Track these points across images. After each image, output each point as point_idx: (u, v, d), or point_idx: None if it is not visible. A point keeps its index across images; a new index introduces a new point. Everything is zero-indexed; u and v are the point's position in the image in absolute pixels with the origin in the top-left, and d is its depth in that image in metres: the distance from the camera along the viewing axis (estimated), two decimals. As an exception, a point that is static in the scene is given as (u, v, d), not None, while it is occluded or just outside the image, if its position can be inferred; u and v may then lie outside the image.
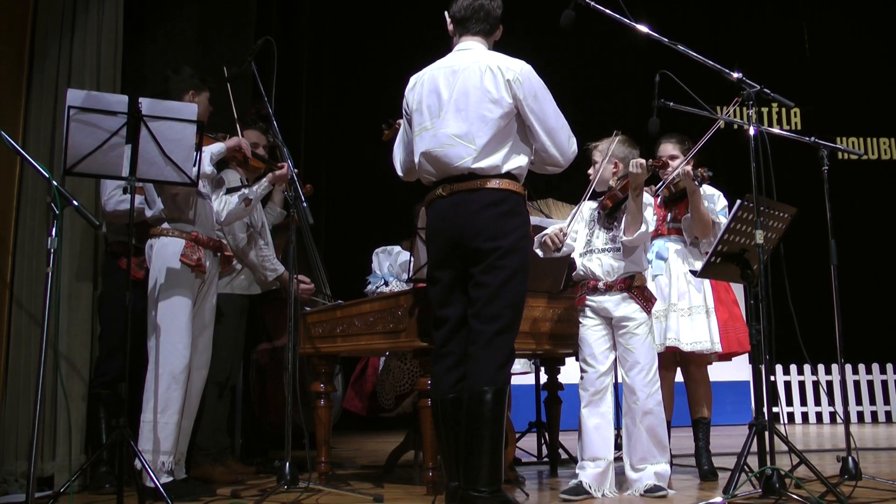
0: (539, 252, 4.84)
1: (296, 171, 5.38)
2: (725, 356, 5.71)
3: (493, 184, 4.09)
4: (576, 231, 5.03)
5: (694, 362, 5.67)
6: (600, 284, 4.88)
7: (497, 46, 4.38)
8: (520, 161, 4.17)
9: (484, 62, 4.16)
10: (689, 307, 5.51)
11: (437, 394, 4.15)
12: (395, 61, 12.25)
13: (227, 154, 5.24)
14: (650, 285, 5.54)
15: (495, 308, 3.98)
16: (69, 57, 5.58)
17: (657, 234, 5.63)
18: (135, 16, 6.25)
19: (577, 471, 4.77)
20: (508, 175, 4.12)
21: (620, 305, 4.87)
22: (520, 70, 4.15)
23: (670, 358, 5.61)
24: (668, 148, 5.73)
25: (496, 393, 3.88)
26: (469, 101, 4.13)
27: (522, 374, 7.43)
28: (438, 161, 4.18)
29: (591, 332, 4.88)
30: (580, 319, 4.94)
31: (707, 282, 5.53)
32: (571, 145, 4.25)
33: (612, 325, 4.89)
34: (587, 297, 4.89)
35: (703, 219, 5.38)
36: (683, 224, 5.63)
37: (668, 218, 5.69)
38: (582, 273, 4.96)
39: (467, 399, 3.92)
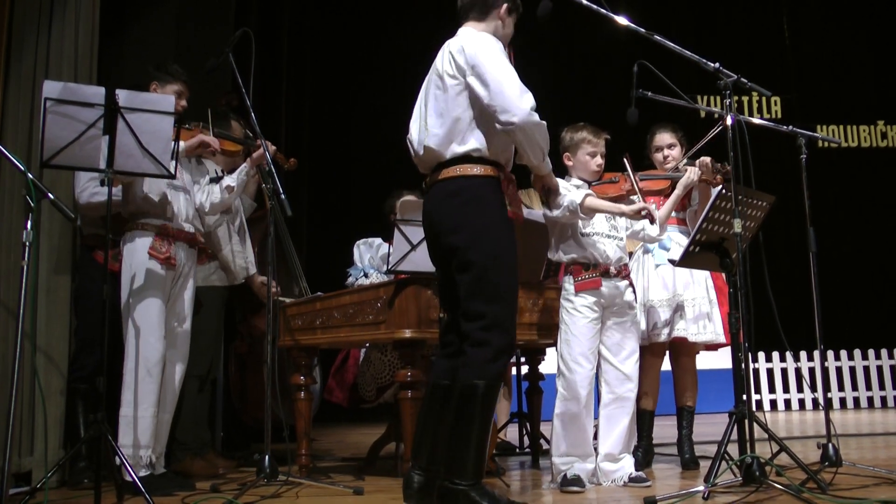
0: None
1: (274, 147, 5.40)
2: (718, 346, 5.72)
3: (452, 172, 4.00)
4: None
5: (685, 352, 5.68)
6: (612, 269, 4.86)
7: None
8: (478, 141, 4.00)
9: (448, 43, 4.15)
10: (693, 297, 5.51)
11: (432, 378, 4.18)
12: (378, 52, 12.27)
13: (193, 153, 5.24)
14: (653, 275, 5.56)
15: (476, 306, 3.87)
16: (47, 48, 5.53)
17: None
18: (113, 6, 6.21)
19: (560, 466, 4.74)
20: (468, 158, 4.00)
21: (626, 292, 4.90)
22: (465, 39, 4.06)
23: (660, 346, 5.62)
24: (665, 137, 5.73)
25: (486, 387, 3.83)
26: (428, 86, 4.18)
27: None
28: (410, 145, 4.23)
29: (591, 325, 4.81)
30: (579, 310, 4.81)
31: (707, 273, 5.53)
32: (526, 101, 3.89)
33: (610, 313, 4.88)
34: (603, 280, 4.81)
35: None
36: (688, 215, 5.64)
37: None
38: (594, 255, 4.85)
39: (458, 392, 3.88)
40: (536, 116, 3.93)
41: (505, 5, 4.24)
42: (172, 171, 4.51)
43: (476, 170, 3.99)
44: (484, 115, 3.98)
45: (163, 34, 7.11)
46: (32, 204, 3.89)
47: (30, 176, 3.91)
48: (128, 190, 5.01)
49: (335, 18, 12.56)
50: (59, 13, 5.57)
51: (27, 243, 3.90)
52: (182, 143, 5.04)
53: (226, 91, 6.26)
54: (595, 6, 4.62)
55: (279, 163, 5.62)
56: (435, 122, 4.07)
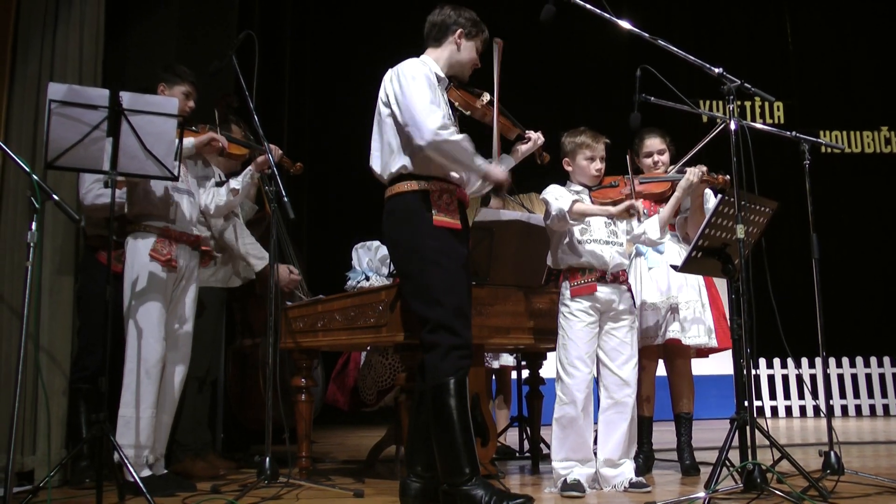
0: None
1: (280, 151, 5.40)
2: (709, 352, 5.71)
3: (389, 191, 4.30)
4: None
5: (680, 356, 5.66)
6: (609, 274, 4.87)
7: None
8: (406, 161, 4.21)
9: None
10: (687, 300, 5.51)
11: (416, 387, 4.29)
12: (379, 54, 12.20)
13: (201, 150, 5.25)
14: (646, 277, 5.55)
15: (420, 312, 4.12)
16: (52, 51, 5.56)
17: None
18: (117, 9, 6.23)
19: (560, 471, 4.73)
20: (400, 177, 4.24)
21: (623, 298, 4.90)
22: (396, 68, 4.28)
23: (654, 350, 5.61)
24: (656, 143, 5.71)
25: (453, 383, 3.97)
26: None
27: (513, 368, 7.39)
28: None
29: (587, 329, 4.81)
30: (575, 314, 4.82)
31: (700, 277, 5.53)
32: (432, 122, 4.06)
33: (607, 318, 4.88)
34: (598, 285, 4.82)
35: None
36: (678, 222, 5.63)
37: None
38: (591, 261, 4.85)
39: (429, 397, 4.02)
40: (445, 134, 4.07)
41: (459, 30, 4.41)
42: (175, 173, 4.52)
43: (405, 186, 4.22)
44: (409, 138, 4.16)
45: (166, 37, 7.13)
46: (37, 205, 3.93)
47: (34, 177, 3.95)
48: (132, 191, 5.02)
49: (337, 21, 12.58)
50: (64, 16, 5.60)
51: (31, 244, 3.95)
52: (192, 139, 5.08)
53: (224, 93, 6.26)
54: (598, 10, 4.62)
55: (285, 167, 5.62)
56: (375, 147, 4.37)
